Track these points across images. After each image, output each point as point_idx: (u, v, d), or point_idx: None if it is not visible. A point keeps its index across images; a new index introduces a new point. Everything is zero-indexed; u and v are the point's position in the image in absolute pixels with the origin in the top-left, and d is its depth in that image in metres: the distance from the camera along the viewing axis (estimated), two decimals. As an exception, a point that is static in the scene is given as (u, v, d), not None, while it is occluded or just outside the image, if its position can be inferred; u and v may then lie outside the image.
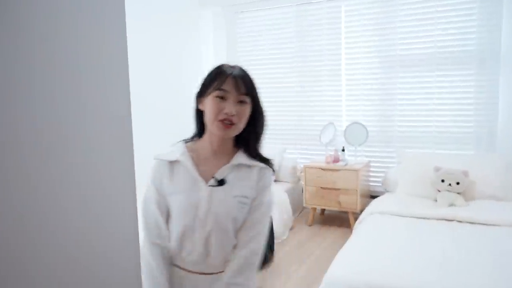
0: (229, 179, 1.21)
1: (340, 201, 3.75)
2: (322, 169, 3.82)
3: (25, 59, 0.45)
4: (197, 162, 1.24)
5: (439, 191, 3.16)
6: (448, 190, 3.10)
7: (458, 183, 3.08)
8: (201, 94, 1.23)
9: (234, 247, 1.21)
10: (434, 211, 2.87)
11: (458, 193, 3.07)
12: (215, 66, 1.24)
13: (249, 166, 1.24)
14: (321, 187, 3.82)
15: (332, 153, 3.98)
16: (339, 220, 4.05)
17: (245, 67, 1.25)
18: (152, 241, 1.21)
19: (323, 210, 4.20)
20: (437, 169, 3.21)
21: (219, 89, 1.17)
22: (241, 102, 1.19)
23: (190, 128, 1.33)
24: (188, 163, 1.22)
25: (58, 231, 0.49)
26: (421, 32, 3.76)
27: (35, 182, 0.46)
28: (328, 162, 3.89)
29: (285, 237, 3.61)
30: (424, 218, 2.78)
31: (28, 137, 0.45)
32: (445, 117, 3.74)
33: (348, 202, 3.71)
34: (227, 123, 1.17)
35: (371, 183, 4.07)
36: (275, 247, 3.29)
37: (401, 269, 2.00)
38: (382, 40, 3.93)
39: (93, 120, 0.52)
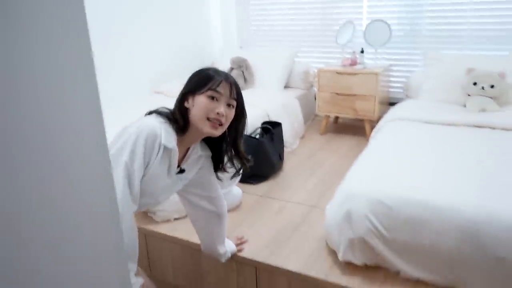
0: (187, 167, 1.43)
1: (356, 108, 3.44)
2: (337, 72, 3.45)
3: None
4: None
5: (469, 95, 2.82)
6: (480, 95, 2.75)
7: (492, 86, 2.72)
8: (192, 92, 1.32)
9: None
10: (463, 117, 2.56)
11: (490, 97, 2.73)
12: (204, 68, 1.36)
13: (201, 156, 1.48)
14: (336, 93, 3.50)
15: (350, 56, 3.58)
16: (354, 129, 3.79)
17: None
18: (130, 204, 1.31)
19: (336, 118, 3.93)
20: (469, 71, 2.83)
21: (214, 90, 1.28)
22: (229, 105, 1.32)
23: None
24: (176, 156, 1.33)
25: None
26: None
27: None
28: (344, 65, 3.52)
29: (295, 146, 3.39)
30: (452, 124, 2.48)
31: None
32: (483, 12, 3.24)
33: (365, 109, 3.41)
34: (217, 122, 1.28)
35: (392, 89, 3.72)
36: (285, 156, 3.08)
37: (431, 182, 1.71)
38: None
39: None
